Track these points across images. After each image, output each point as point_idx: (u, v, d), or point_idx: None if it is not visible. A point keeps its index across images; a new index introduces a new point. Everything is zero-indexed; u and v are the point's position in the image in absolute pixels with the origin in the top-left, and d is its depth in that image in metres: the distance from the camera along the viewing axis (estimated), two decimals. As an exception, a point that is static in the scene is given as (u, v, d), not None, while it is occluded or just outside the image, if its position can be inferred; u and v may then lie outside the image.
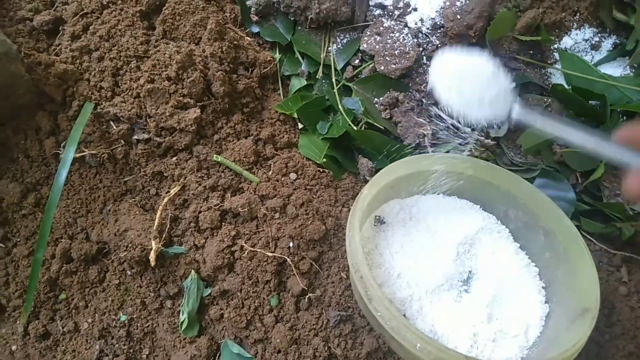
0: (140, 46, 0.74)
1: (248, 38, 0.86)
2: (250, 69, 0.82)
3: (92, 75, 0.73)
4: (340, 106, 0.85)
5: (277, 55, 0.89)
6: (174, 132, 0.71)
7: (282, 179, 0.74)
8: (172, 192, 0.69)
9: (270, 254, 0.66)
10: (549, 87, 0.88)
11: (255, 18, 0.89)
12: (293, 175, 0.75)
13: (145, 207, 0.73)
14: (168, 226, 0.69)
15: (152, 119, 0.70)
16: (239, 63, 0.80)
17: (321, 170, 0.78)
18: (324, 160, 0.79)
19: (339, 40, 0.90)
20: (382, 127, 0.84)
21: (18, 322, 0.72)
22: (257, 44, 0.88)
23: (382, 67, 0.85)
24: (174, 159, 0.71)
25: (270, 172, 0.74)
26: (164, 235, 0.68)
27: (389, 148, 0.82)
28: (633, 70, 0.88)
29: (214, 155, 0.71)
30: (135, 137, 0.71)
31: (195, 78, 0.72)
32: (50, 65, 0.71)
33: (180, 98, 0.71)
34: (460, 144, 0.87)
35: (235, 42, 0.80)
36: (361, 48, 0.88)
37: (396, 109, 0.87)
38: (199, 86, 0.73)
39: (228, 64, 0.78)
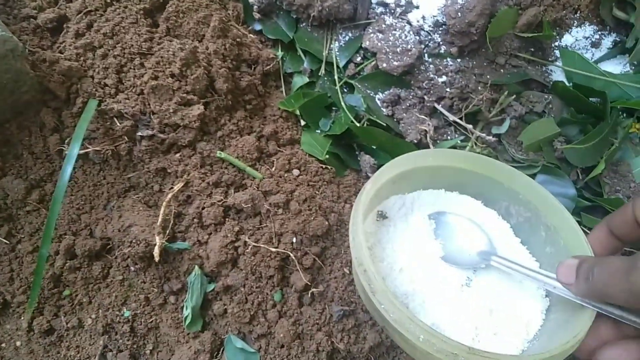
0: (144, 43, 0.75)
1: (251, 35, 0.86)
2: (253, 66, 0.83)
3: (96, 73, 0.73)
4: (342, 103, 0.86)
5: (280, 53, 0.89)
6: (178, 129, 0.72)
7: (285, 175, 0.74)
8: (176, 188, 0.69)
9: (273, 250, 0.67)
10: (549, 85, 0.88)
11: (257, 16, 0.90)
12: (296, 172, 0.75)
13: (149, 203, 0.73)
14: (172, 222, 0.69)
15: (155, 115, 0.70)
16: (242, 60, 0.81)
17: (324, 166, 0.78)
18: (327, 156, 0.79)
19: (341, 37, 0.91)
20: (384, 124, 0.84)
21: (22, 318, 0.72)
22: (259, 41, 0.89)
23: (384, 65, 0.85)
24: (178, 155, 0.72)
25: (273, 169, 0.75)
26: (167, 231, 0.68)
27: (391, 145, 0.82)
28: (633, 68, 0.89)
29: (218, 152, 0.72)
30: (139, 133, 0.71)
31: (199, 75, 0.73)
32: (55, 62, 0.71)
33: (184, 95, 0.71)
34: (461, 141, 0.87)
35: (238, 40, 0.80)
36: (363, 45, 0.88)
37: (398, 105, 0.88)
38: (202, 83, 0.73)
39: (231, 61, 0.78)
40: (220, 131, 0.75)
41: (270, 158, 0.76)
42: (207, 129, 0.74)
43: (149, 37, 0.76)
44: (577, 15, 0.86)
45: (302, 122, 0.85)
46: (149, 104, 0.71)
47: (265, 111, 0.83)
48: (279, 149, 0.78)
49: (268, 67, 0.84)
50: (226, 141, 0.75)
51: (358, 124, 0.84)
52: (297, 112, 0.84)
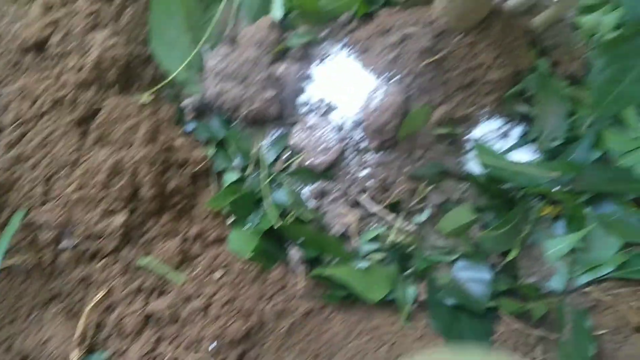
0: (73, 153, 0.79)
1: (181, 138, 0.91)
2: (182, 168, 0.87)
3: (24, 184, 0.76)
4: (269, 199, 0.90)
5: (211, 152, 0.94)
6: (101, 238, 0.74)
7: (208, 277, 0.77)
8: (97, 297, 0.71)
9: (192, 357, 0.68)
10: (465, 175, 0.95)
11: (190, 117, 0.95)
12: (218, 273, 0.78)
13: (70, 313, 0.74)
14: (92, 332, 0.70)
15: (80, 225, 0.73)
16: (170, 164, 0.85)
17: (249, 264, 0.81)
18: (252, 254, 0.83)
19: (270, 135, 0.97)
20: (310, 218, 0.89)
21: None
22: (191, 142, 0.93)
23: (309, 162, 0.91)
24: (100, 264, 0.74)
25: (196, 271, 0.77)
26: (87, 342, 0.69)
27: (315, 239, 0.86)
28: (541, 155, 0.96)
29: (140, 259, 0.75)
30: (63, 243, 0.73)
31: (124, 183, 0.76)
32: (-16, 175, 0.74)
33: (109, 204, 0.75)
34: (385, 230, 0.92)
35: (167, 144, 0.85)
36: (290, 143, 0.94)
37: (324, 199, 0.92)
38: (127, 191, 0.77)
39: (159, 165, 0.82)
40: (145, 236, 0.78)
41: (194, 260, 0.79)
42: (132, 235, 0.77)
43: (79, 147, 0.80)
44: (485, 110, 0.94)
45: (231, 220, 0.88)
46: (73, 214, 0.73)
47: (194, 211, 0.86)
48: (204, 249, 0.81)
49: (197, 167, 0.88)
50: (150, 246, 0.78)
51: (285, 219, 0.88)
52: (226, 210, 0.88)
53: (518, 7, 0.94)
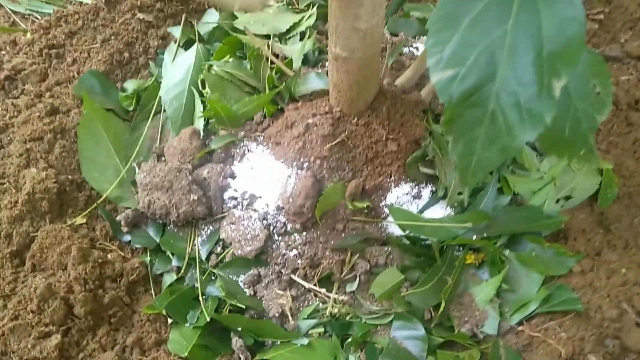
0: (8, 285, 0.84)
1: (117, 251, 0.97)
2: (117, 280, 0.92)
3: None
4: (206, 293, 0.95)
5: (148, 258, 1.00)
6: (37, 361, 0.78)
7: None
8: (36, 422, 0.73)
9: None
10: (387, 239, 1.02)
11: (126, 229, 1.02)
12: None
13: None
14: None
15: (15, 354, 0.77)
16: (105, 278, 0.90)
17: (187, 364, 0.84)
18: (190, 351, 0.86)
19: (203, 232, 1.03)
20: (244, 306, 0.93)
21: None
22: (128, 252, 1.00)
23: (239, 251, 0.97)
24: (37, 388, 0.77)
25: (133, 380, 0.80)
26: None
27: (252, 326, 0.90)
28: (453, 209, 1.04)
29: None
30: (1, 374, 0.76)
31: (56, 306, 0.81)
32: None
33: (42, 328, 0.79)
34: (319, 305, 0.97)
35: (100, 260, 0.91)
36: (221, 237, 1.01)
37: (259, 284, 0.98)
38: (60, 313, 0.81)
39: (93, 282, 0.88)
40: (82, 352, 0.81)
41: (132, 369, 0.82)
42: (69, 354, 0.80)
43: (14, 277, 0.85)
44: (393, 178, 1.03)
45: (170, 320, 0.92)
46: (8, 344, 0.77)
47: (133, 318, 0.90)
48: (143, 355, 0.84)
49: (133, 276, 0.93)
50: (89, 361, 0.81)
51: (221, 311, 0.92)
52: (164, 312, 0.92)
53: (405, 84, 1.07)
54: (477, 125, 0.56)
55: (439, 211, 1.04)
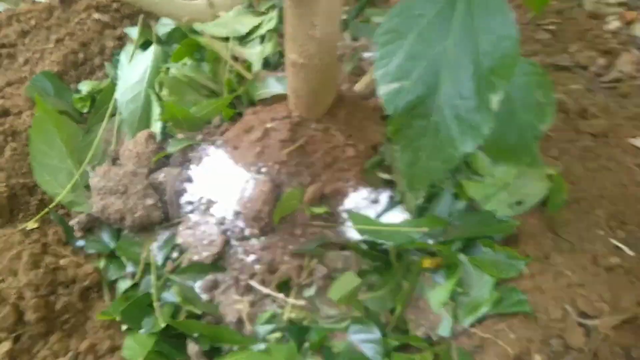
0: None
1: (69, 257, 0.95)
2: (70, 286, 0.90)
3: None
4: (161, 299, 0.94)
5: (102, 264, 0.98)
6: (-17, 373, 0.75)
7: (96, 392, 0.78)
8: None
9: None
10: (345, 244, 1.03)
11: (79, 234, 0.99)
12: (107, 387, 0.79)
13: None
14: None
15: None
16: (57, 284, 0.88)
17: (142, 370, 0.83)
18: (145, 358, 0.85)
19: (159, 237, 1.02)
20: (202, 311, 0.92)
21: None
22: (81, 258, 0.97)
23: (196, 257, 0.96)
24: (-18, 399, 0.74)
25: (84, 389, 0.78)
26: None
27: (209, 331, 0.90)
28: (411, 214, 1.06)
29: (24, 387, 0.76)
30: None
31: (6, 313, 0.79)
32: None
33: (-11, 338, 0.76)
34: (277, 310, 0.97)
35: (52, 266, 0.88)
36: (177, 242, 0.99)
37: (216, 290, 0.97)
38: (10, 319, 0.79)
39: (44, 288, 0.85)
40: (34, 359, 0.79)
41: (83, 378, 0.81)
42: (18, 361, 0.78)
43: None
44: (351, 183, 1.04)
45: (124, 327, 0.91)
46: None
47: (86, 325, 0.88)
48: (95, 363, 0.83)
49: (87, 282, 0.91)
50: (38, 370, 0.79)
51: (177, 317, 0.91)
52: (118, 318, 0.90)
53: (364, 89, 1.08)
54: (422, 135, 0.58)
55: (397, 216, 1.06)
